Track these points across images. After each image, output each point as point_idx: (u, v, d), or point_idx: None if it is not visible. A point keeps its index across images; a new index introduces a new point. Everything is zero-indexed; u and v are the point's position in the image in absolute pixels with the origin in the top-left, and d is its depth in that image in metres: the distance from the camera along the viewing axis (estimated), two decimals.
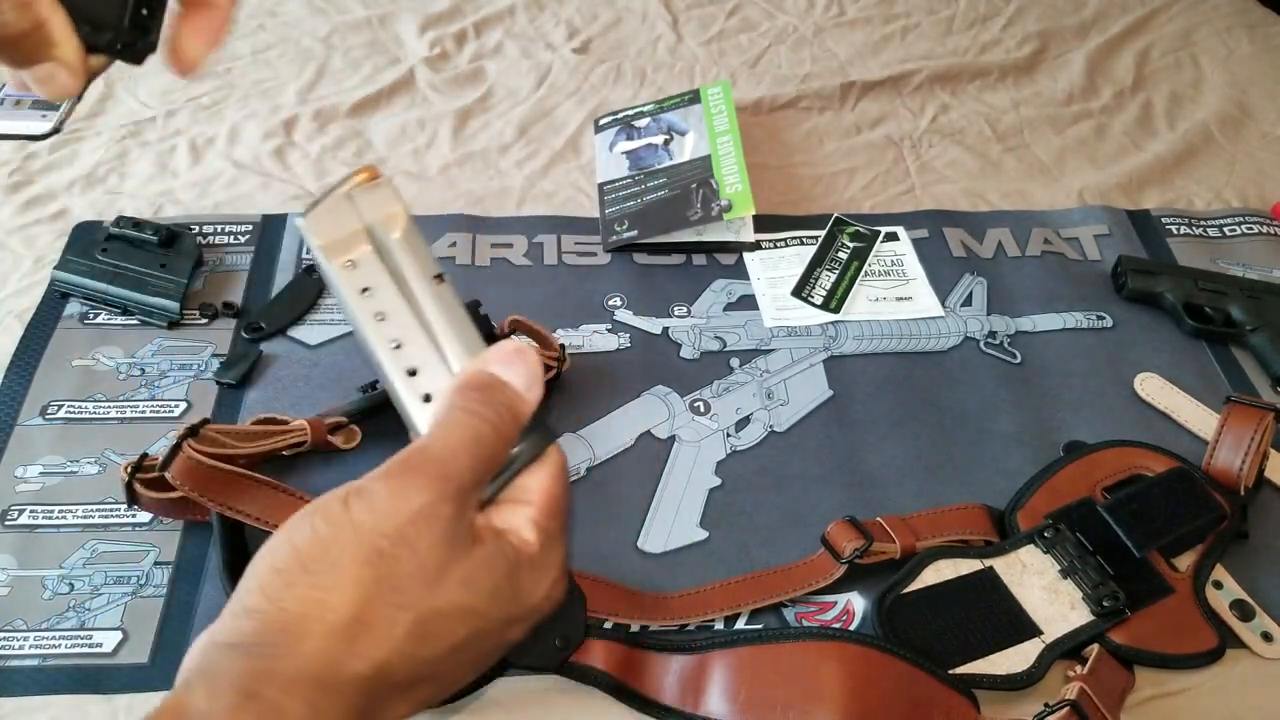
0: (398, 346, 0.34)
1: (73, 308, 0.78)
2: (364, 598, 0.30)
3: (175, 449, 0.60)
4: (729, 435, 0.74)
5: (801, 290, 0.84)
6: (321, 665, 0.29)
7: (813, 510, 0.69)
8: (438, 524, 0.31)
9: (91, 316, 0.78)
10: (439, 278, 0.35)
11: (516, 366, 0.36)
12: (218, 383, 0.74)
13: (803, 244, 0.89)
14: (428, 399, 0.35)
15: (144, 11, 0.36)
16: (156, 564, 0.63)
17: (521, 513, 0.35)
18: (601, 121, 0.99)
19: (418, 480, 0.32)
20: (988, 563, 0.64)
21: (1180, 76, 1.13)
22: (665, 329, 0.81)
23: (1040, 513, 0.67)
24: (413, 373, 0.35)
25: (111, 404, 0.72)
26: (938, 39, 1.17)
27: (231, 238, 0.85)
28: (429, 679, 0.32)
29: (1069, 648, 0.60)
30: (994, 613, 0.62)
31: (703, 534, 0.67)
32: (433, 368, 0.35)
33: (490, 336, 0.71)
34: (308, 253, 0.32)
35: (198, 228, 0.84)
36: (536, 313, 0.75)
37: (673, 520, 0.68)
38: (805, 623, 0.63)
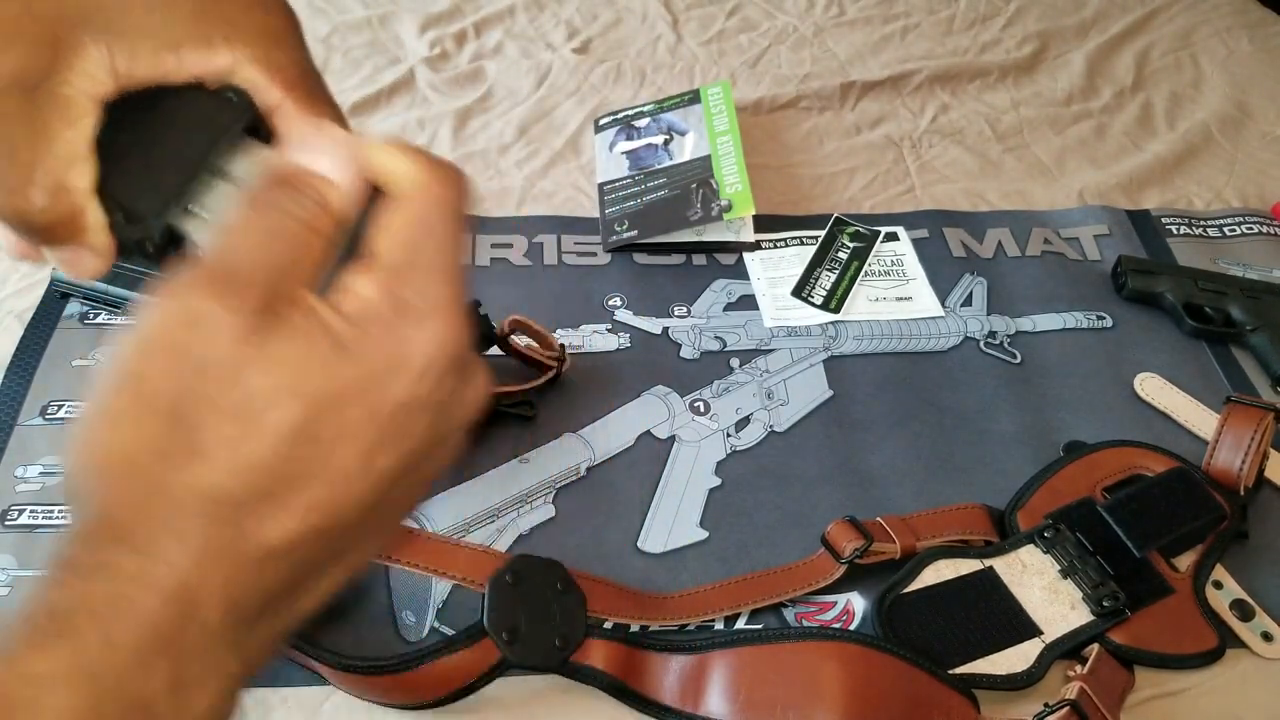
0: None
1: (73, 308, 0.78)
2: (133, 425, 0.27)
3: None
4: (729, 435, 0.74)
5: (801, 290, 0.84)
6: (121, 508, 0.27)
7: (813, 510, 0.69)
8: (210, 323, 0.27)
9: (91, 316, 0.78)
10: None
11: (324, 151, 0.31)
12: None
13: (803, 244, 0.89)
14: None
15: (177, 213, 0.32)
16: None
17: (361, 274, 0.30)
18: (601, 121, 0.99)
19: (182, 289, 0.28)
20: (988, 563, 0.64)
21: (1180, 76, 1.13)
22: (665, 329, 0.81)
23: (1040, 513, 0.67)
24: None
25: None
26: (938, 39, 1.17)
27: None
28: (292, 478, 0.27)
29: (1069, 648, 0.60)
30: (994, 613, 0.62)
31: (703, 534, 0.67)
32: None
33: (490, 337, 0.71)
34: None
35: None
36: (536, 313, 0.75)
37: (673, 520, 0.68)
38: (805, 623, 0.63)
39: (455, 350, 0.30)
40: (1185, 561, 0.65)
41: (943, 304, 0.85)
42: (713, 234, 0.87)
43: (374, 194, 0.31)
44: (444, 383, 0.30)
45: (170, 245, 0.32)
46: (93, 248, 0.31)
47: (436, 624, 0.61)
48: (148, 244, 0.31)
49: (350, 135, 0.32)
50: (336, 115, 0.33)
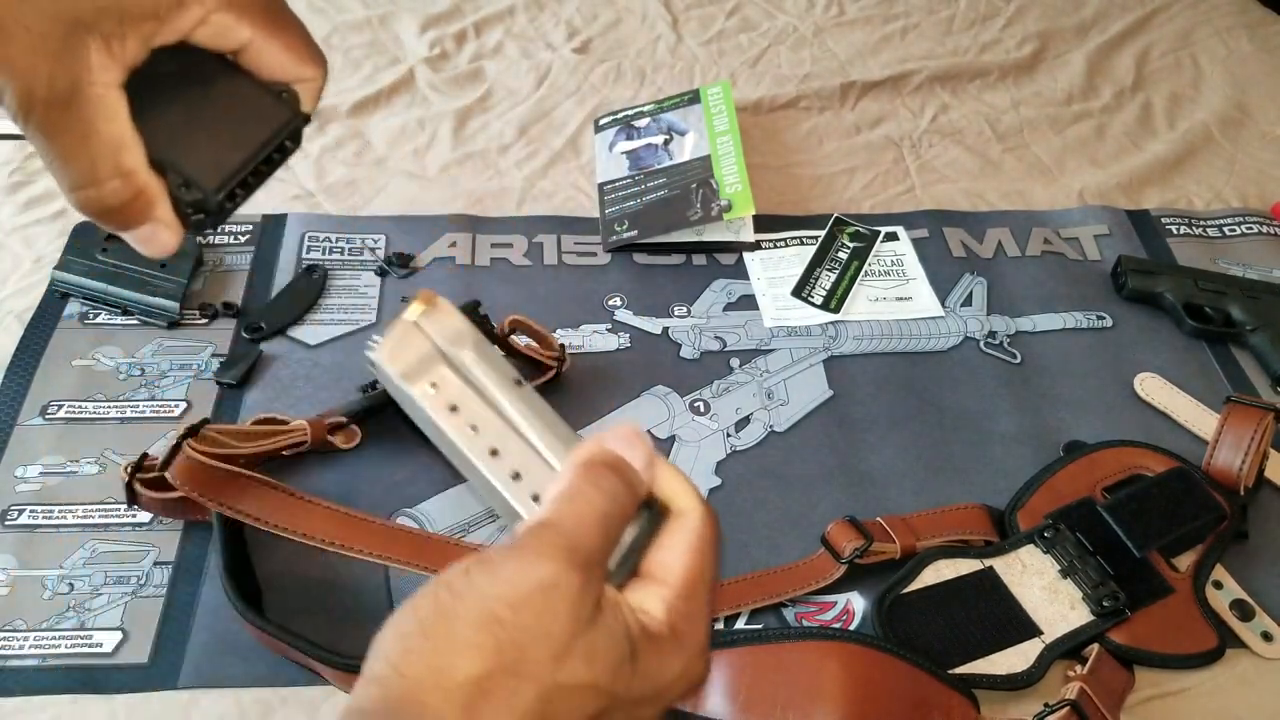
0: (495, 454, 0.35)
1: (73, 308, 0.78)
2: (483, 665, 0.29)
3: (175, 449, 0.60)
4: (729, 435, 0.74)
5: (801, 290, 0.84)
6: None
7: (813, 510, 0.69)
8: (562, 594, 0.30)
9: (91, 316, 0.78)
10: (518, 382, 0.36)
11: (636, 448, 0.35)
12: (218, 383, 0.74)
13: (803, 244, 0.89)
14: (536, 499, 0.35)
15: (239, 190, 0.36)
16: (156, 564, 0.63)
17: (654, 591, 0.34)
18: (601, 121, 0.99)
19: (544, 550, 0.31)
20: (988, 563, 0.64)
21: (1180, 76, 1.13)
22: (665, 329, 0.81)
23: (1040, 513, 0.67)
24: (516, 476, 0.35)
25: (111, 404, 0.72)
26: (938, 39, 1.17)
27: (231, 238, 0.85)
28: None
29: (1069, 648, 0.60)
30: (994, 613, 0.62)
31: None
32: (535, 468, 0.35)
33: (490, 336, 0.71)
34: (379, 373, 0.33)
35: None
36: (536, 313, 0.75)
37: None
38: (805, 623, 0.63)
39: (696, 690, 0.35)
40: (1185, 561, 0.65)
41: (943, 304, 0.85)
42: (713, 234, 0.87)
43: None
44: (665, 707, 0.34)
45: (219, 211, 0.35)
46: (162, 220, 0.35)
47: None
48: (207, 209, 0.35)
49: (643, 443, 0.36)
50: (306, 40, 0.37)
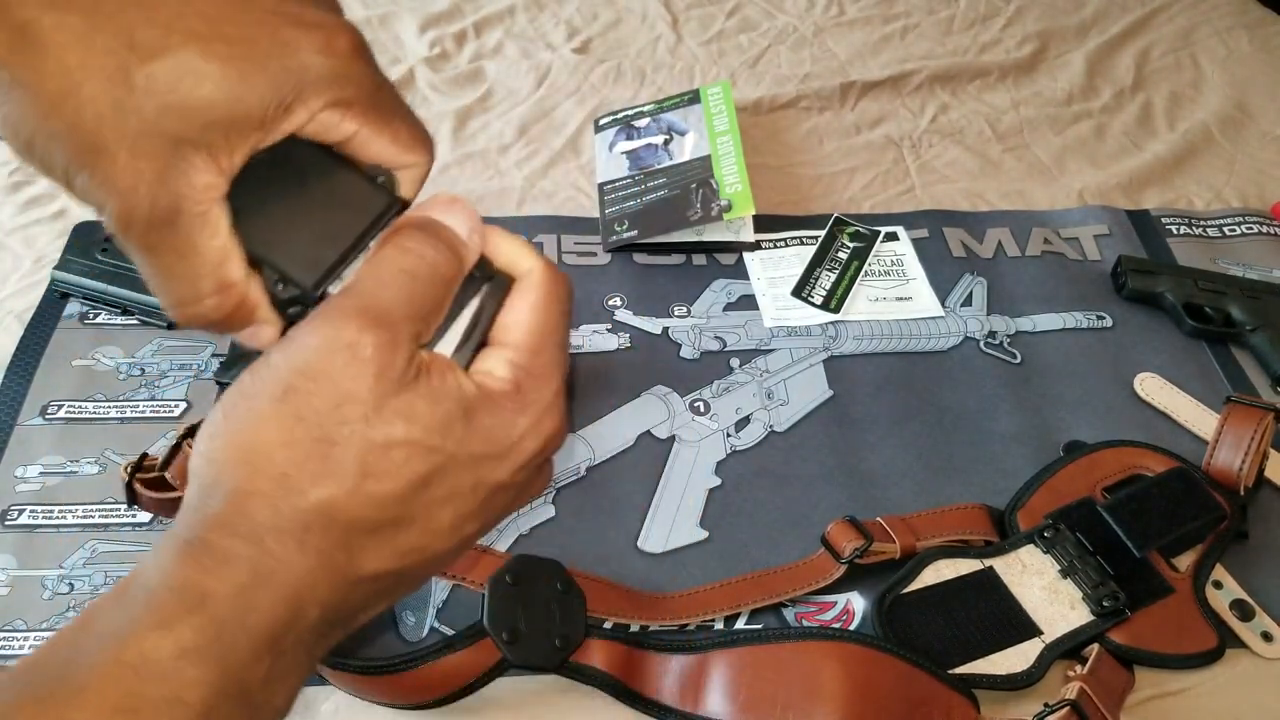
0: None
1: (73, 308, 0.78)
2: (285, 434, 0.29)
3: (175, 449, 0.60)
4: (729, 435, 0.74)
5: (801, 290, 0.84)
6: (257, 505, 0.29)
7: (813, 510, 0.69)
8: (361, 353, 0.30)
9: (91, 316, 0.78)
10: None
11: (455, 213, 0.34)
12: (218, 383, 0.74)
13: (803, 244, 0.89)
14: None
15: (332, 282, 0.34)
16: None
17: (496, 353, 0.33)
18: (601, 121, 0.99)
19: (336, 314, 0.30)
20: (988, 563, 0.64)
21: (1180, 76, 1.13)
22: (665, 329, 0.81)
23: (1040, 513, 0.67)
24: None
25: (111, 404, 0.72)
26: (938, 39, 1.17)
27: None
28: (402, 521, 0.31)
29: (1069, 648, 0.60)
30: (994, 613, 0.62)
31: (703, 534, 0.67)
32: None
33: None
34: None
35: None
36: None
37: (673, 520, 0.68)
38: (805, 623, 0.63)
39: (553, 448, 0.34)
40: (1185, 561, 0.65)
41: (943, 304, 0.85)
42: (713, 234, 0.87)
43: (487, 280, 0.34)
44: (532, 472, 0.34)
45: (308, 304, 0.34)
46: (265, 320, 0.34)
47: (436, 624, 0.61)
48: (305, 302, 0.34)
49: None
50: (412, 127, 0.34)
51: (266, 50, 0.29)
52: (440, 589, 0.62)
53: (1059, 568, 0.63)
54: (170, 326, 0.77)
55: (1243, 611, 0.64)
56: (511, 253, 0.35)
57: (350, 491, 0.29)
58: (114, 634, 0.27)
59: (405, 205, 0.35)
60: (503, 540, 0.65)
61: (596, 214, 0.90)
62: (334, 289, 0.33)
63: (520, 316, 0.34)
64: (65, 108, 0.28)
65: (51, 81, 0.28)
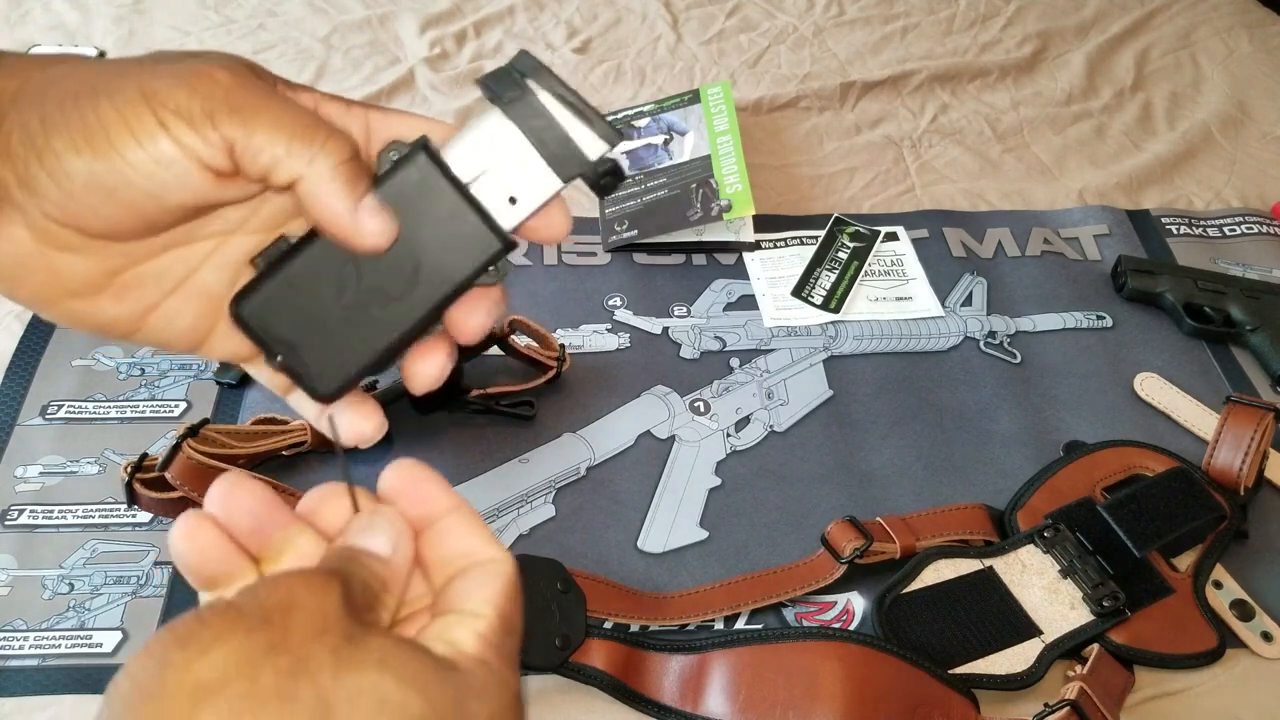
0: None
1: None
2: None
3: (175, 449, 0.60)
4: (729, 435, 0.74)
5: (801, 290, 0.84)
6: None
7: (813, 510, 0.69)
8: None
9: None
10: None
11: (375, 530, 0.30)
12: (218, 383, 0.74)
13: (803, 244, 0.89)
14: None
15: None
16: (156, 564, 0.63)
17: (468, 624, 0.29)
18: None
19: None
20: (987, 563, 0.64)
21: (1180, 76, 1.13)
22: (665, 329, 0.81)
23: (1040, 513, 0.67)
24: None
25: (111, 404, 0.72)
26: (938, 39, 1.17)
27: None
28: None
29: (1069, 648, 0.60)
30: (994, 613, 0.62)
31: (703, 534, 0.67)
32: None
33: (490, 337, 0.71)
34: None
35: None
36: (536, 313, 0.75)
37: (673, 520, 0.68)
38: (805, 623, 0.63)
39: None
40: (1185, 561, 0.65)
41: (943, 304, 0.85)
42: (713, 234, 0.87)
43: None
44: None
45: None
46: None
47: None
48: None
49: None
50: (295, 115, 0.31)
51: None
52: None
53: (1059, 568, 0.63)
54: None
55: (1243, 611, 0.64)
56: (476, 542, 0.31)
57: None
58: None
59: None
60: (502, 540, 0.65)
61: (596, 214, 0.90)
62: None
63: (488, 592, 0.30)
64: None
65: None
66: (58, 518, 0.65)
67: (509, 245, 0.33)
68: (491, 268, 0.33)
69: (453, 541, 0.31)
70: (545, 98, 0.32)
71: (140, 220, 0.31)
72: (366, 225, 0.31)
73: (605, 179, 0.33)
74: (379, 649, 0.26)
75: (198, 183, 0.30)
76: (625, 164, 0.92)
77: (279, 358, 0.32)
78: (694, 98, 0.96)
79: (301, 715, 0.24)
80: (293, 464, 0.68)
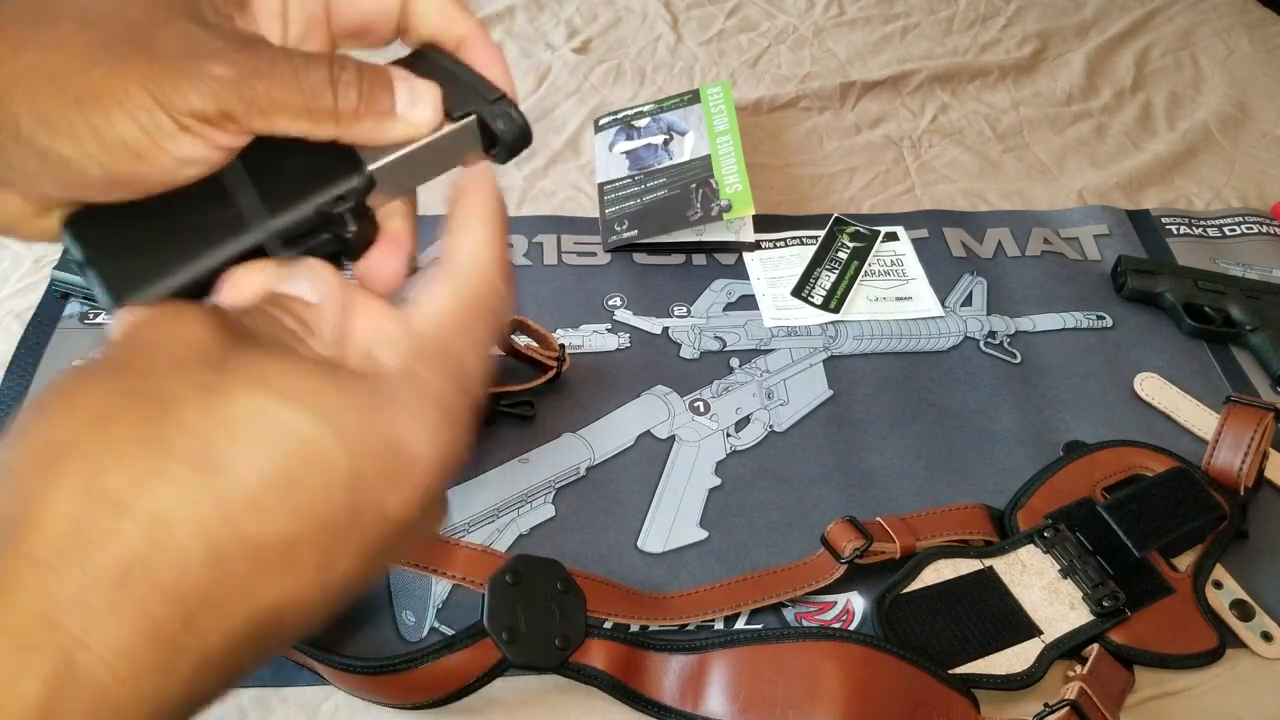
0: None
1: (73, 308, 0.78)
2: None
3: None
4: (729, 435, 0.74)
5: (801, 290, 0.84)
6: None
7: (813, 510, 0.69)
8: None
9: (91, 316, 0.78)
10: None
11: (299, 277, 0.29)
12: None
13: (803, 244, 0.89)
14: None
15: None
16: None
17: (384, 321, 0.27)
18: (601, 121, 0.99)
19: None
20: (987, 563, 0.64)
21: (1180, 76, 1.13)
22: (665, 329, 0.81)
23: (1040, 513, 0.67)
24: None
25: None
26: (938, 39, 1.17)
27: None
28: (274, 543, 0.23)
29: (1069, 648, 0.60)
30: (994, 613, 0.62)
31: (703, 534, 0.67)
32: None
33: None
34: None
35: None
36: (536, 313, 0.75)
37: (673, 520, 0.68)
38: (805, 623, 0.63)
39: (449, 476, 0.26)
40: (1185, 561, 0.65)
41: (943, 304, 0.85)
42: (713, 234, 0.87)
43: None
44: (424, 510, 0.26)
45: None
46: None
47: (436, 624, 0.61)
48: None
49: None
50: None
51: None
52: (440, 589, 0.62)
53: (1059, 568, 0.63)
54: None
55: (1243, 611, 0.64)
56: (467, 224, 0.30)
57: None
58: None
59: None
60: (502, 540, 0.65)
61: (596, 214, 0.90)
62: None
63: (436, 299, 0.28)
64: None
65: None
66: None
67: (368, 182, 0.32)
68: (341, 199, 0.31)
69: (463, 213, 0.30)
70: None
71: (149, 189, 0.30)
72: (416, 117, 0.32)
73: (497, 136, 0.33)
74: (257, 369, 0.23)
75: (219, 159, 0.30)
76: (625, 164, 0.92)
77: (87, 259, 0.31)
78: (694, 98, 0.96)
79: (176, 456, 0.22)
80: None
